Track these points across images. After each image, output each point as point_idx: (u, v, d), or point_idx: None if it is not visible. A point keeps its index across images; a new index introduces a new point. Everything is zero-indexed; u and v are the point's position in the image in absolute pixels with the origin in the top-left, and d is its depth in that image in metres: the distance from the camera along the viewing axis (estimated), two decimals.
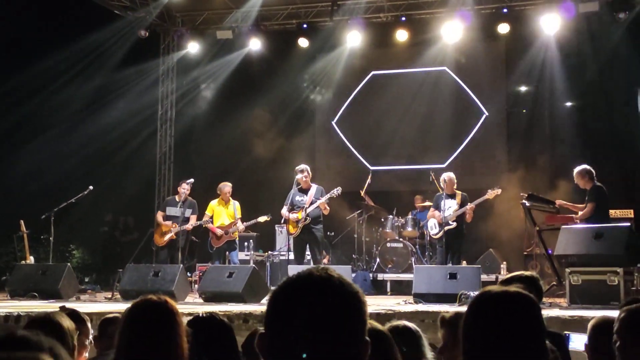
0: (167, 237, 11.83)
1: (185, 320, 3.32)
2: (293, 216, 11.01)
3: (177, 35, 16.21)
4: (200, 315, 3.27)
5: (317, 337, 1.56)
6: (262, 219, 11.99)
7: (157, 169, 16.16)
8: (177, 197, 12.12)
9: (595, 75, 14.78)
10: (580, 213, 10.14)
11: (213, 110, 16.54)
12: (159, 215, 12.12)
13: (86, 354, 3.97)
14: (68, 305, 5.43)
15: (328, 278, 1.62)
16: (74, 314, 3.97)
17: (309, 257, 11.46)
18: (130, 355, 2.60)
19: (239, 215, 11.95)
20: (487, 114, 15.68)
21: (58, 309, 3.98)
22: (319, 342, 1.56)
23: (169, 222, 11.85)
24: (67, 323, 3.18)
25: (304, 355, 1.55)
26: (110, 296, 11.04)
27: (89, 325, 4.06)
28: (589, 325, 3.71)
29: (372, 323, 3.24)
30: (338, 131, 16.57)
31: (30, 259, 11.92)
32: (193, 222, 11.82)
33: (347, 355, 1.60)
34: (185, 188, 11.94)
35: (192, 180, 12.01)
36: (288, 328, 1.59)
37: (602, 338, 3.53)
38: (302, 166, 11.30)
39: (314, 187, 11.25)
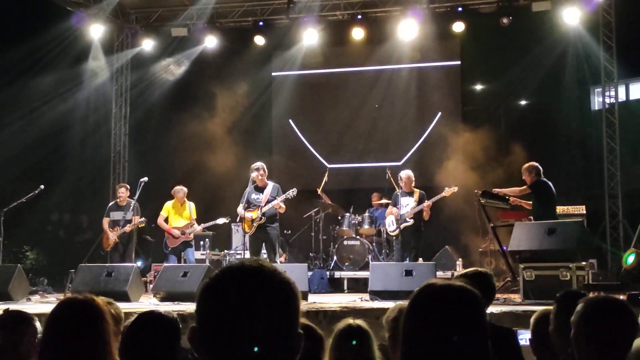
0: (111, 241, 11.82)
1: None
2: (248, 215, 10.90)
3: (131, 33, 16.03)
4: (145, 311, 3.20)
5: (248, 329, 1.52)
6: (221, 221, 11.94)
7: (111, 167, 15.95)
8: (118, 202, 12.09)
9: (548, 73, 15.00)
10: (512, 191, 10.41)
11: (168, 108, 16.36)
12: (105, 222, 12.08)
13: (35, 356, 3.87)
14: (17, 307, 5.29)
15: (259, 268, 1.58)
16: (19, 315, 3.85)
17: (265, 256, 11.36)
18: (53, 356, 2.51)
19: (194, 216, 11.89)
20: (440, 112, 15.81)
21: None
22: (251, 334, 1.52)
23: (110, 232, 11.87)
24: None
25: (255, 349, 1.50)
26: (62, 297, 10.82)
27: (37, 324, 3.94)
28: (532, 319, 3.74)
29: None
30: (295, 129, 16.54)
31: None
32: (134, 221, 11.75)
33: (280, 347, 1.55)
34: (122, 192, 12.10)
35: (145, 179, 11.87)
36: (219, 320, 1.54)
37: (546, 330, 3.56)
38: (258, 164, 11.13)
39: (270, 185, 11.10)
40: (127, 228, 11.72)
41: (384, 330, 3.91)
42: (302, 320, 1.66)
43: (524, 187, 10.28)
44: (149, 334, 2.93)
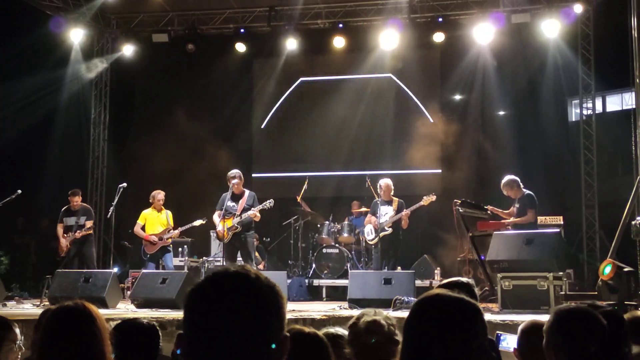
0: (64, 247, 11.77)
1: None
2: (220, 228, 10.82)
3: (111, 38, 15.95)
4: (125, 319, 3.19)
5: (235, 333, 1.54)
6: (198, 222, 11.85)
7: (89, 172, 15.84)
8: (71, 207, 12.01)
9: (527, 84, 15.14)
10: (514, 218, 10.31)
11: (148, 114, 16.29)
12: (59, 228, 11.99)
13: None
14: None
15: (244, 273, 1.61)
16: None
17: (241, 264, 11.29)
18: None
19: (171, 224, 11.86)
20: (432, 120, 15.85)
21: None
22: (237, 338, 1.54)
23: (63, 239, 11.80)
24: None
25: (221, 346, 1.53)
26: (38, 303, 10.71)
27: (17, 330, 3.91)
28: (519, 329, 3.76)
29: (305, 329, 3.26)
30: (272, 138, 16.57)
31: None
32: (86, 227, 11.73)
33: (264, 351, 1.57)
34: (75, 200, 11.99)
35: (124, 184, 11.82)
36: (205, 326, 1.55)
37: (531, 341, 3.59)
38: (234, 172, 11.07)
39: (246, 193, 11.05)
40: (78, 234, 11.66)
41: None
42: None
43: (528, 211, 10.26)
44: (129, 342, 2.91)
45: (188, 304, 1.60)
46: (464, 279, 4.29)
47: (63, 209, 12.11)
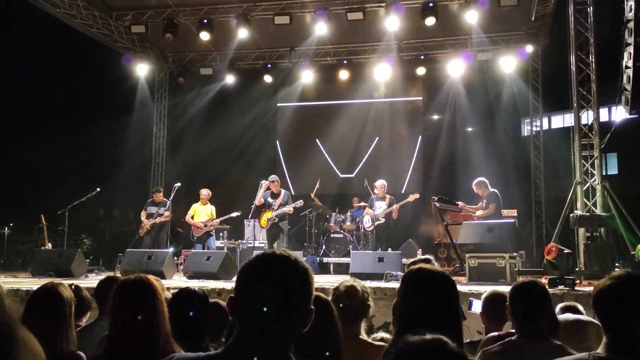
0: (144, 229, 11.86)
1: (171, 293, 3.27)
2: (264, 217, 11.12)
3: (168, 71, 16.05)
4: (182, 288, 3.21)
5: (274, 299, 1.55)
6: (234, 214, 11.96)
7: (151, 174, 15.93)
8: (155, 199, 12.09)
9: (489, 107, 15.13)
10: (482, 212, 10.25)
11: (196, 129, 16.39)
12: (143, 214, 12.05)
13: (84, 319, 3.95)
14: (78, 282, 5.31)
15: (287, 256, 1.63)
16: (74, 289, 3.87)
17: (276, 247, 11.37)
18: (121, 321, 2.53)
19: (214, 216, 11.95)
20: (406, 136, 15.86)
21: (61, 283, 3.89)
22: (276, 305, 1.55)
23: (146, 220, 11.88)
24: (67, 293, 3.07)
25: (264, 309, 1.54)
26: (112, 275, 10.74)
27: (87, 295, 4.01)
28: (482, 297, 3.77)
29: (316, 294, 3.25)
30: (320, 147, 16.56)
31: (49, 246, 11.57)
32: (165, 215, 11.81)
33: (296, 317, 1.59)
34: (158, 195, 12.11)
35: (178, 184, 11.87)
36: (253, 293, 1.57)
37: (492, 306, 3.61)
38: (273, 177, 11.37)
39: (282, 192, 11.27)
40: (157, 220, 11.73)
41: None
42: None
43: (490, 205, 10.17)
44: (185, 306, 2.95)
45: (241, 274, 1.62)
46: (425, 256, 4.38)
47: (148, 200, 12.27)
